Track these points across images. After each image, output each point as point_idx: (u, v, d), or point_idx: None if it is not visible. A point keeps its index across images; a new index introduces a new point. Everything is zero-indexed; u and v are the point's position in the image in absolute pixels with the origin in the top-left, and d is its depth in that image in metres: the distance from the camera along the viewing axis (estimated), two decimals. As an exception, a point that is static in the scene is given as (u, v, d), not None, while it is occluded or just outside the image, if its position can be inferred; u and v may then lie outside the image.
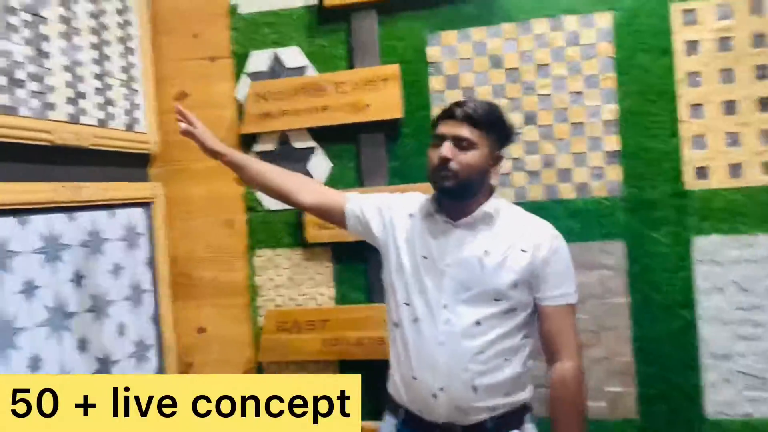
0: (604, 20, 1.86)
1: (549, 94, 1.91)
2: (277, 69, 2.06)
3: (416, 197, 1.57)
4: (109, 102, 1.87)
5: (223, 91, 2.11)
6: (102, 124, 1.83)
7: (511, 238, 1.43)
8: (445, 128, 1.40)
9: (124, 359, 1.89)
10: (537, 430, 1.47)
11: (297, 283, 2.08)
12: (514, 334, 1.42)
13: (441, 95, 1.96)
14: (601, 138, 1.88)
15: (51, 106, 1.63)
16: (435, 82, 1.97)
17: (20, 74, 1.52)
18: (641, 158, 1.86)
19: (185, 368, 2.19)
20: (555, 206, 1.91)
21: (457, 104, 1.42)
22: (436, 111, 1.94)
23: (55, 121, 1.63)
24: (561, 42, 1.89)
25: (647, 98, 1.85)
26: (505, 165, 1.92)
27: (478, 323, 1.39)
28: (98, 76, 1.83)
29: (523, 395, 1.45)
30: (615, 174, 1.88)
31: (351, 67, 2.00)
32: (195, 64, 2.13)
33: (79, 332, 1.69)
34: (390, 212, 1.56)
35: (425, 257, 1.46)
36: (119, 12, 1.95)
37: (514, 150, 1.92)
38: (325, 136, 2.04)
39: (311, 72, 2.04)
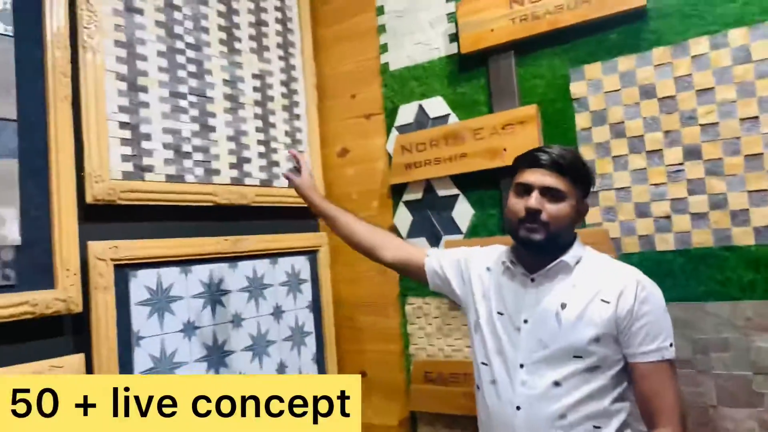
0: (783, 28, 1.54)
1: (715, 123, 1.62)
2: (423, 120, 2.10)
3: (496, 249, 1.49)
4: (272, 164, 2.10)
5: (378, 145, 2.22)
6: (265, 183, 2.06)
7: (591, 289, 1.30)
8: (531, 177, 1.31)
9: (283, 396, 2.06)
10: None
11: (445, 334, 2.06)
12: (602, 396, 1.28)
13: (588, 133, 1.80)
14: (786, 171, 1.53)
15: (216, 172, 1.90)
16: (581, 120, 1.81)
17: (187, 147, 1.81)
18: (844, 194, 1.47)
19: (349, 409, 2.29)
20: (727, 255, 1.60)
21: (541, 150, 1.33)
22: (583, 151, 1.79)
23: (218, 185, 1.90)
24: (726, 61, 1.60)
25: None
26: (664, 207, 1.68)
27: (557, 384, 1.28)
28: (262, 142, 2.08)
29: None
30: (807, 214, 1.51)
31: (491, 111, 1.95)
32: (354, 123, 2.29)
33: (236, 368, 1.90)
34: (468, 266, 1.51)
35: (501, 313, 1.38)
36: (283, 83, 2.20)
37: (674, 190, 1.67)
38: (469, 182, 2.00)
39: (454, 119, 2.04)
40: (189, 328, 1.77)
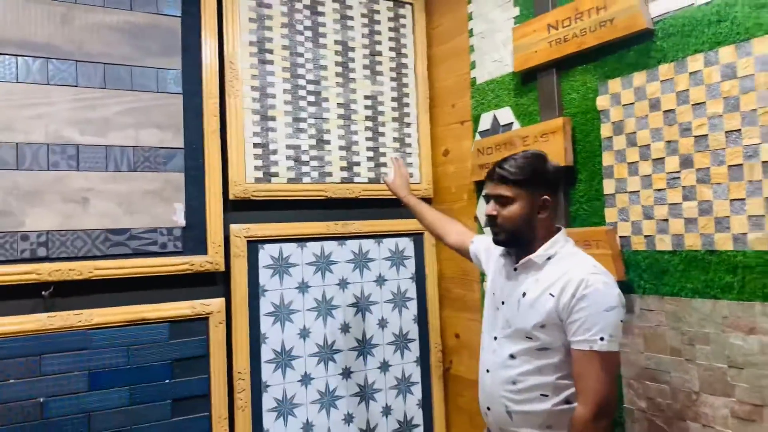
0: (763, 46, 1.60)
1: (705, 135, 1.74)
2: (496, 127, 2.48)
3: None
4: (380, 165, 2.70)
5: (468, 147, 2.65)
6: (372, 181, 2.67)
7: (546, 283, 1.57)
8: (488, 189, 1.69)
9: (384, 345, 2.68)
10: None
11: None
12: (549, 372, 1.56)
13: (610, 142, 2.02)
14: (761, 182, 1.61)
15: (328, 174, 2.57)
16: (604, 130, 2.03)
17: (305, 157, 2.52)
18: (809, 206, 1.52)
19: (448, 364, 2.81)
20: (711, 258, 1.73)
21: (497, 165, 1.67)
22: (605, 158, 2.03)
23: (330, 183, 2.57)
24: (716, 77, 1.71)
25: (812, 133, 1.50)
26: (663, 210, 1.85)
27: (512, 356, 1.61)
28: (371, 149, 2.68)
29: None
30: (777, 224, 1.58)
31: (541, 120, 2.26)
32: (453, 128, 2.75)
33: (341, 319, 2.58)
34: (491, 252, 1.88)
35: (494, 294, 1.75)
36: (394, 99, 2.76)
37: (671, 195, 1.83)
38: (526, 182, 2.34)
39: (517, 126, 2.37)
40: (303, 286, 2.50)
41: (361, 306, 2.63)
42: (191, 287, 2.27)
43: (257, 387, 2.37)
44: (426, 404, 2.75)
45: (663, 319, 1.87)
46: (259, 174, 2.42)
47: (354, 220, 2.62)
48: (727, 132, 1.69)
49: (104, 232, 2.12)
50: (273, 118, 2.46)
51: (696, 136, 1.77)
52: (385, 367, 2.67)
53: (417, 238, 2.79)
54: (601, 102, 2.04)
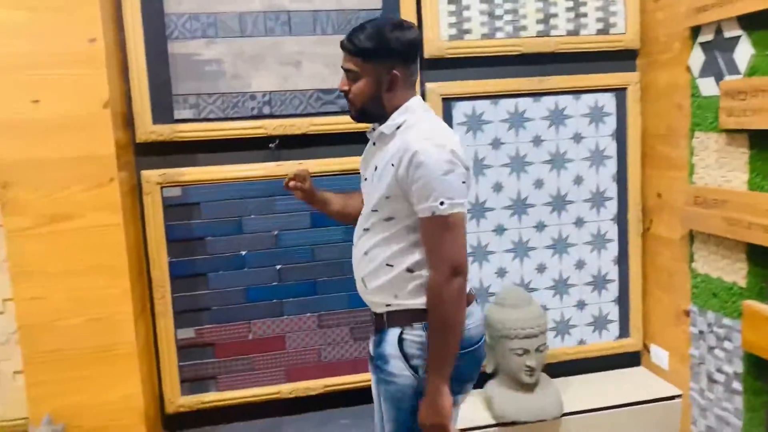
0: None
1: None
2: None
3: None
4: (579, 15, 2.55)
5: (683, -12, 2.37)
6: (571, 33, 2.55)
7: (391, 153, 1.53)
8: (342, 61, 1.60)
9: (579, 202, 2.68)
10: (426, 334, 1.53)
11: (720, 165, 2.26)
12: (395, 242, 1.56)
13: None
14: None
15: (523, 28, 2.51)
16: None
17: (498, 11, 2.48)
18: None
19: (648, 224, 2.74)
20: None
21: (347, 35, 1.57)
22: None
23: (525, 38, 2.52)
24: None
25: None
26: None
27: (366, 230, 1.63)
28: (570, -2, 2.54)
29: (416, 302, 1.55)
30: None
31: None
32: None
33: (535, 175, 2.62)
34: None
35: (361, 173, 1.74)
36: (598, -61, 2.53)
37: None
38: (755, 23, 2.05)
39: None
40: (496, 143, 2.57)
41: (555, 164, 2.64)
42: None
43: (453, 235, 2.57)
44: (622, 261, 2.75)
45: None
46: (453, 31, 2.46)
47: (550, 76, 2.57)
48: None
49: (316, 92, 2.38)
50: (465, -27, 2.44)
51: None
52: (579, 223, 2.70)
53: (619, 93, 2.65)
54: None
